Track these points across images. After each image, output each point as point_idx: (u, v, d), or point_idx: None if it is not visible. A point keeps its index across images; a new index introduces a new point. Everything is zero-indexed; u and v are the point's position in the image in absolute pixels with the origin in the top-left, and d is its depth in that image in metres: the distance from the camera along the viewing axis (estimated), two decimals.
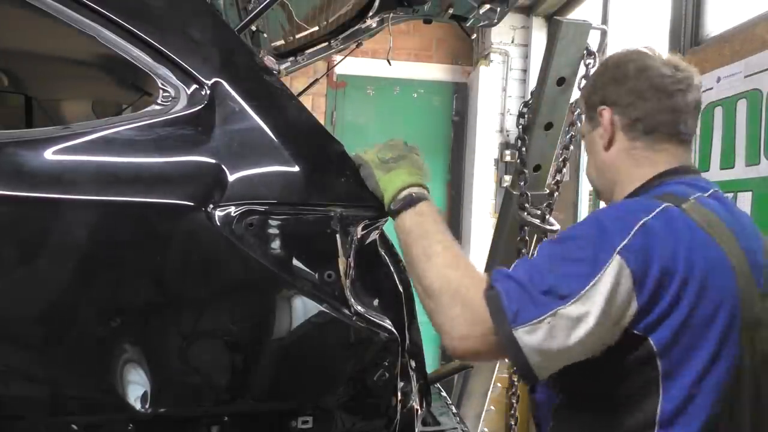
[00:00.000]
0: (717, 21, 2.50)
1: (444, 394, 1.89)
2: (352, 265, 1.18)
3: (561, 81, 1.98)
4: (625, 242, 1.06)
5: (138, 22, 1.18)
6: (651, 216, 1.09)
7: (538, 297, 1.05)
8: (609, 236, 1.07)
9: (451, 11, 2.31)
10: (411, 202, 1.18)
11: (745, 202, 2.05)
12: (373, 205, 1.21)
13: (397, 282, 1.26)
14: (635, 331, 1.07)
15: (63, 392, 1.09)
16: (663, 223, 1.09)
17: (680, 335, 1.07)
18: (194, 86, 1.17)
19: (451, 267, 1.13)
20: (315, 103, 4.80)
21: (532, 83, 4.40)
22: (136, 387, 1.07)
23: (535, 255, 1.14)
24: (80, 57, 1.97)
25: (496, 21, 2.37)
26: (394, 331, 1.20)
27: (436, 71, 4.92)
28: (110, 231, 1.10)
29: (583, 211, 3.74)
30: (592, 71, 1.93)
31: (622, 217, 1.10)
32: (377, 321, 1.18)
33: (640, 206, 1.13)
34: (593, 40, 2.00)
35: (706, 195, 1.19)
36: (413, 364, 1.29)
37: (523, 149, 2.02)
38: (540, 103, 2.00)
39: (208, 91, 1.17)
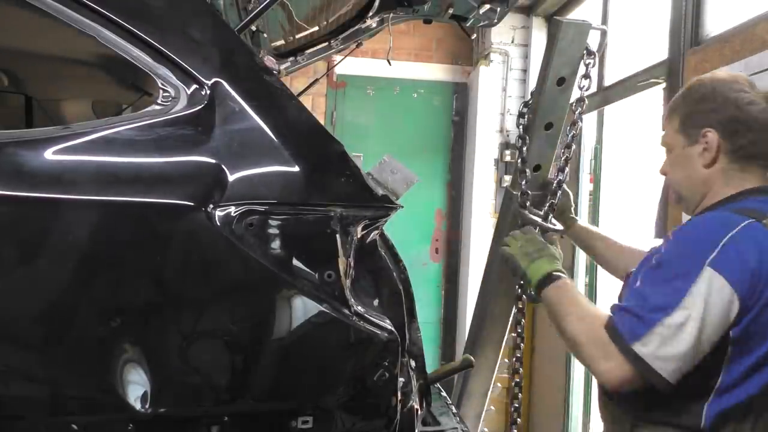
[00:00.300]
0: (717, 21, 2.50)
1: (444, 394, 1.89)
2: (352, 265, 1.18)
3: (561, 81, 1.99)
4: (713, 255, 1.27)
5: (138, 22, 1.18)
6: (737, 230, 1.30)
7: (645, 315, 1.30)
8: (697, 254, 1.29)
9: (451, 11, 2.31)
10: (552, 280, 1.55)
11: None
12: (373, 205, 1.21)
13: (397, 282, 1.26)
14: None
15: (63, 392, 1.09)
16: (749, 235, 1.30)
17: (752, 327, 1.29)
18: (194, 86, 1.18)
19: (583, 320, 1.43)
20: (315, 103, 4.80)
21: (532, 83, 4.40)
22: (136, 387, 1.07)
23: (639, 284, 1.39)
24: (80, 57, 1.97)
25: (496, 21, 2.38)
26: (394, 331, 1.20)
27: (436, 71, 4.92)
28: (110, 231, 1.10)
29: (584, 211, 3.74)
30: (592, 71, 2.02)
31: (705, 238, 1.32)
32: (377, 321, 1.18)
33: (721, 223, 1.34)
34: (593, 40, 1.99)
35: None
36: (413, 364, 1.29)
37: (524, 149, 2.06)
38: (540, 103, 2.02)
39: (208, 91, 1.17)
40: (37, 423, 1.08)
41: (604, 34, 2.07)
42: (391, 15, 2.34)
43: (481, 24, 2.43)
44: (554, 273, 1.56)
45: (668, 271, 1.32)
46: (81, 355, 1.09)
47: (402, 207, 1.24)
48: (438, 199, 4.95)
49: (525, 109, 2.07)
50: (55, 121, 2.39)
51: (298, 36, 2.39)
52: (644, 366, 1.28)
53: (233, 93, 1.18)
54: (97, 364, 1.08)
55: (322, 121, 4.64)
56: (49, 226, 1.07)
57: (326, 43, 2.44)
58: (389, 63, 2.84)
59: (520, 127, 2.08)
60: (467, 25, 2.42)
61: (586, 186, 3.75)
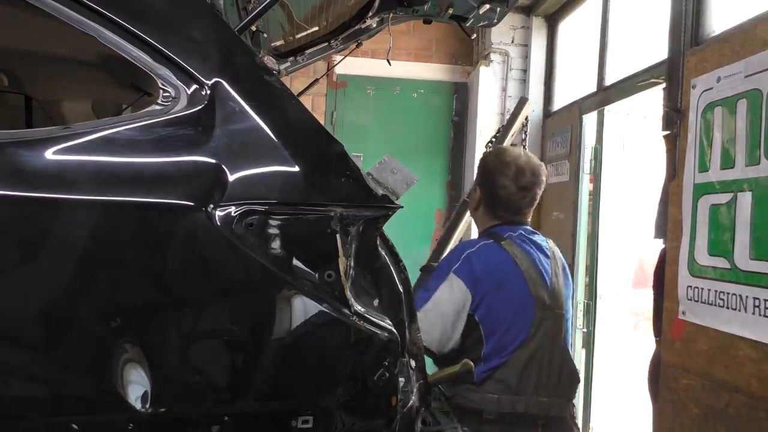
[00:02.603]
0: (717, 21, 2.50)
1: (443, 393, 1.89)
2: (352, 265, 1.18)
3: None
4: (456, 265, 2.08)
5: (138, 22, 1.18)
6: (473, 249, 2.12)
7: (418, 300, 2.01)
8: (448, 264, 2.11)
9: (450, 11, 2.32)
10: None
11: (745, 202, 2.05)
12: (373, 205, 1.21)
13: (397, 282, 1.26)
14: (471, 312, 2.08)
15: (63, 392, 1.09)
16: (480, 252, 2.12)
17: (484, 311, 2.06)
18: (194, 86, 1.17)
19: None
20: (315, 103, 4.80)
21: (532, 83, 4.41)
22: (136, 387, 1.07)
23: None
24: (80, 57, 1.97)
25: (495, 21, 2.40)
26: (394, 331, 1.20)
27: (436, 71, 4.92)
28: (110, 231, 1.10)
29: (584, 211, 3.74)
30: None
31: (455, 253, 2.15)
32: (377, 321, 1.18)
33: (468, 245, 2.17)
34: None
35: (516, 235, 2.18)
36: (413, 364, 1.29)
37: None
38: (498, 142, 2.97)
39: (208, 91, 1.17)
40: (37, 423, 1.08)
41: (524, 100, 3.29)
42: (391, 15, 2.35)
43: (481, 24, 2.45)
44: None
45: (435, 273, 2.12)
46: (81, 355, 1.08)
47: (402, 207, 1.24)
48: (438, 199, 4.95)
49: (490, 145, 3.41)
50: (55, 121, 2.39)
51: (297, 36, 2.39)
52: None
53: (233, 93, 1.18)
54: (97, 364, 1.08)
55: (322, 121, 4.64)
56: (49, 227, 1.07)
57: (326, 44, 2.45)
58: (389, 63, 2.87)
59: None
60: (467, 25, 2.43)
61: (586, 186, 3.75)
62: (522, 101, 3.17)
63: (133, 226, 1.11)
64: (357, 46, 2.55)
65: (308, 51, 2.45)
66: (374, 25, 2.41)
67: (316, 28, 2.37)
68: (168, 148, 1.14)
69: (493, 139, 3.14)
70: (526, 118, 3.36)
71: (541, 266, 2.14)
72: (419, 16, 2.43)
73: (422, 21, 2.51)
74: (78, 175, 1.10)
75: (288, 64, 2.48)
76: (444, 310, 2.02)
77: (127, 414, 1.07)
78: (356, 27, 2.37)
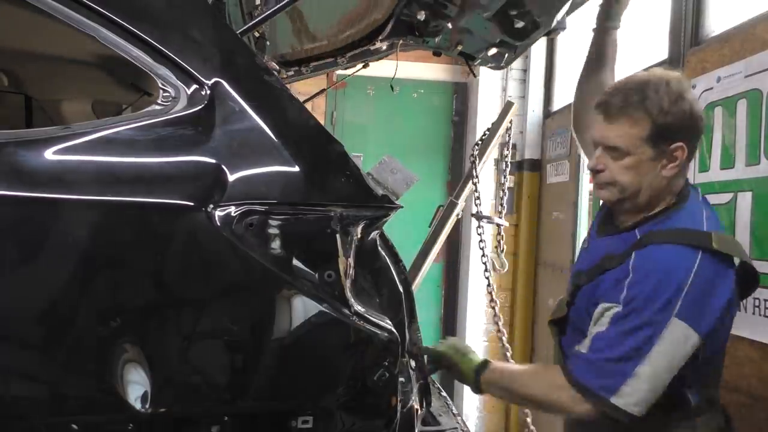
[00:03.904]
0: (717, 21, 2.50)
1: (444, 394, 1.89)
2: (352, 265, 1.18)
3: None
4: (679, 306, 1.36)
5: (138, 22, 1.18)
6: (694, 271, 1.38)
7: (614, 368, 1.38)
8: (664, 302, 1.37)
9: (460, 48, 2.33)
10: (485, 366, 1.58)
11: (745, 202, 2.05)
12: (373, 205, 1.21)
13: (397, 282, 1.26)
14: None
15: (63, 392, 1.09)
16: (704, 276, 1.39)
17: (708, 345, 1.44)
18: (194, 86, 1.17)
19: (535, 378, 1.57)
20: (315, 103, 4.79)
21: (532, 83, 4.40)
22: (136, 387, 1.07)
23: (604, 329, 1.43)
24: (80, 57, 1.97)
25: (503, 65, 2.42)
26: (394, 331, 1.20)
27: (436, 71, 4.92)
28: (110, 231, 1.10)
29: (583, 211, 3.74)
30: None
31: (669, 282, 1.38)
32: (377, 321, 1.18)
33: (681, 261, 1.39)
34: None
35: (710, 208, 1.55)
36: (413, 364, 1.29)
37: (474, 173, 2.97)
38: (485, 150, 3.02)
39: (208, 91, 1.17)
40: (37, 423, 1.08)
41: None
42: (401, 41, 2.35)
43: (488, 65, 2.46)
44: (484, 361, 1.61)
45: (635, 319, 1.37)
46: (81, 355, 1.08)
47: (402, 207, 1.24)
48: (438, 199, 4.94)
49: (476, 150, 3.05)
50: (55, 121, 2.39)
51: (305, 47, 2.38)
52: (618, 411, 1.36)
53: (233, 93, 1.18)
54: (97, 364, 1.08)
55: (322, 121, 4.63)
56: (49, 227, 1.07)
57: (332, 59, 2.44)
58: (392, 89, 2.78)
59: (472, 160, 3.04)
60: (474, 64, 2.45)
61: (586, 186, 3.75)
62: (508, 105, 3.21)
63: (133, 226, 1.11)
64: (363, 67, 2.54)
65: (313, 63, 2.44)
66: (383, 48, 2.41)
67: (325, 42, 2.36)
68: (168, 148, 1.14)
69: (480, 142, 3.15)
70: (511, 122, 3.39)
71: None
72: (429, 47, 2.44)
73: (432, 53, 2.52)
74: (78, 175, 1.10)
75: (291, 73, 2.47)
76: (670, 369, 1.40)
77: (127, 414, 1.07)
78: (365, 47, 2.37)
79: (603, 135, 1.49)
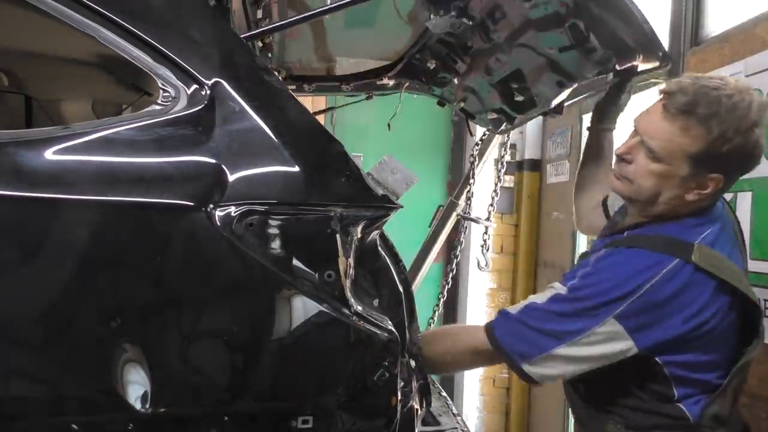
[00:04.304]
0: (717, 21, 2.50)
1: (444, 393, 1.89)
2: (352, 265, 1.18)
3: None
4: (621, 309, 1.31)
5: (138, 22, 1.18)
6: (653, 282, 1.31)
7: (539, 340, 1.36)
8: (610, 300, 1.32)
9: (462, 104, 2.33)
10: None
11: (745, 202, 2.05)
12: (373, 205, 1.21)
13: (397, 282, 1.26)
14: None
15: (63, 392, 1.09)
16: (660, 287, 1.31)
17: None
18: (194, 86, 1.17)
19: (449, 336, 1.55)
20: (315, 104, 4.79)
21: None
22: (136, 387, 1.07)
23: (545, 301, 1.39)
24: (80, 57, 1.97)
25: (498, 132, 2.43)
26: (394, 331, 1.19)
27: None
28: (110, 231, 1.10)
29: None
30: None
31: (620, 284, 1.32)
32: (377, 321, 1.18)
33: (643, 268, 1.32)
34: None
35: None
36: (413, 364, 1.29)
37: (471, 174, 3.16)
38: (484, 151, 3.26)
39: (208, 91, 1.17)
40: (37, 423, 1.08)
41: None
42: (408, 83, 2.35)
43: (485, 128, 2.47)
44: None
45: (577, 305, 1.33)
46: (81, 355, 1.09)
47: (402, 207, 1.24)
48: (437, 199, 4.94)
49: (475, 151, 3.22)
50: (55, 121, 2.39)
51: (314, 65, 2.38)
52: (528, 377, 1.37)
53: (233, 93, 1.18)
54: (97, 364, 1.08)
55: (322, 121, 4.63)
56: (49, 227, 1.07)
57: (337, 84, 2.44)
58: (389, 128, 2.68)
59: (471, 161, 3.24)
60: (473, 122, 2.45)
61: None
62: None
63: (133, 226, 1.11)
64: (367, 98, 2.53)
65: (317, 84, 2.44)
66: (389, 85, 2.41)
67: (335, 63, 2.36)
68: (168, 148, 1.14)
69: (480, 142, 3.17)
70: None
71: None
72: (434, 95, 2.44)
73: (437, 102, 2.51)
74: (78, 175, 1.10)
75: (294, 87, 2.46)
76: (589, 361, 1.39)
77: (127, 414, 1.07)
78: (372, 80, 2.36)
79: (648, 128, 1.33)
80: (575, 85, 1.84)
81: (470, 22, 1.85)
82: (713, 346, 1.35)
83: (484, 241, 3.05)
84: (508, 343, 1.38)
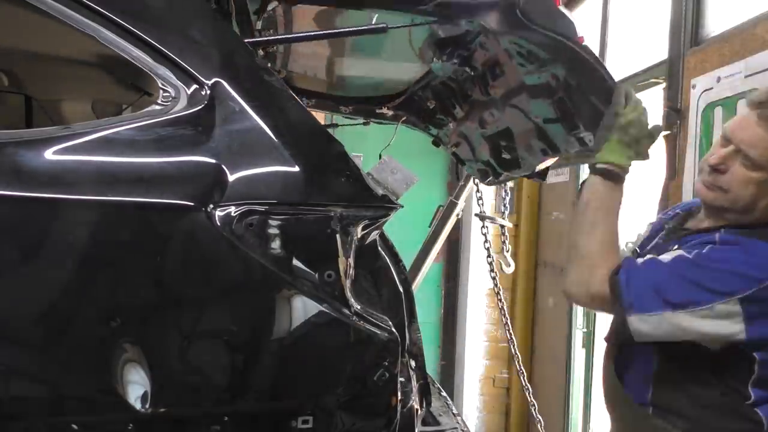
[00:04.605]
0: (717, 21, 2.50)
1: (444, 393, 1.89)
2: (352, 265, 1.18)
3: None
4: (748, 293, 1.25)
5: (138, 22, 1.18)
6: None
7: (656, 298, 1.28)
8: (735, 281, 1.26)
9: (455, 149, 2.34)
10: (613, 176, 1.43)
11: None
12: (373, 205, 1.21)
13: (397, 282, 1.26)
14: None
15: (63, 392, 1.09)
16: None
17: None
18: (194, 86, 1.17)
19: (604, 244, 1.40)
20: None
21: None
22: (136, 387, 1.07)
23: (669, 261, 1.32)
24: (80, 57, 1.97)
25: (484, 183, 2.42)
26: (394, 331, 1.19)
27: None
28: (110, 231, 1.10)
29: None
30: None
31: (748, 271, 1.27)
32: (377, 321, 1.18)
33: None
34: None
35: None
36: (413, 364, 1.29)
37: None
38: None
39: (208, 91, 1.17)
40: (37, 423, 1.08)
41: None
42: (406, 117, 2.35)
43: (473, 175, 2.46)
44: (623, 168, 1.44)
45: (704, 276, 1.27)
46: (81, 355, 1.09)
47: (402, 207, 1.24)
48: (437, 199, 4.94)
49: None
50: (55, 121, 2.39)
51: (319, 77, 2.37)
52: (625, 330, 1.30)
53: (233, 93, 1.18)
54: (97, 364, 1.08)
55: (322, 121, 4.63)
56: (49, 227, 1.07)
57: (336, 104, 2.43)
58: (380, 157, 2.65)
59: None
60: (462, 167, 2.48)
61: None
62: None
63: (133, 226, 1.11)
64: (364, 124, 2.52)
65: (316, 99, 2.42)
66: (387, 115, 2.40)
67: (336, 80, 2.36)
68: (168, 148, 1.14)
69: None
70: None
71: None
72: (429, 134, 2.43)
73: (431, 142, 2.52)
74: (78, 175, 1.10)
75: None
76: (701, 337, 1.32)
77: (127, 414, 1.07)
78: (371, 107, 2.36)
79: (744, 136, 1.32)
80: (558, 157, 1.83)
81: (472, 73, 1.86)
82: None
83: (503, 242, 3.02)
84: (626, 288, 1.30)
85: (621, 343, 1.40)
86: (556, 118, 1.63)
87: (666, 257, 1.33)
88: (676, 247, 1.39)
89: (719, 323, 1.26)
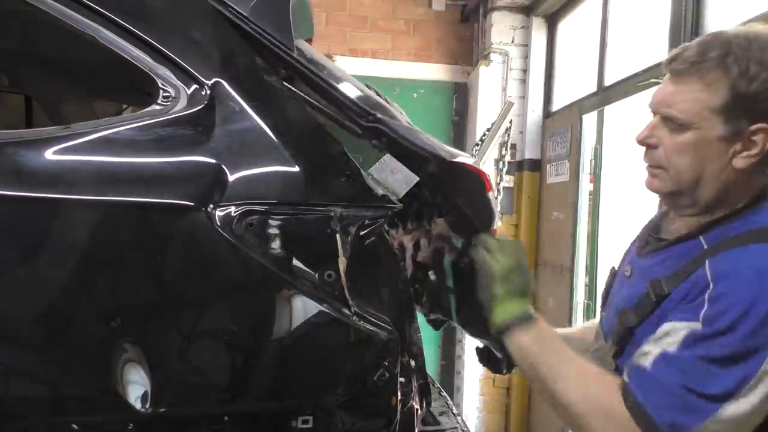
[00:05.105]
0: (717, 21, 2.50)
1: (444, 393, 1.89)
2: (352, 265, 1.18)
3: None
4: None
5: (138, 22, 1.18)
6: None
7: (694, 402, 0.99)
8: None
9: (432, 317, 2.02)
10: (527, 323, 1.22)
11: None
12: (373, 205, 1.21)
13: (397, 282, 1.26)
14: None
15: (63, 392, 1.09)
16: None
17: None
18: (194, 86, 1.17)
19: (583, 382, 1.13)
20: None
21: (532, 83, 4.41)
22: (137, 387, 1.07)
23: (678, 349, 1.04)
24: (80, 57, 1.97)
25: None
26: (394, 331, 1.19)
27: (436, 71, 4.92)
28: (110, 231, 1.10)
29: (583, 211, 3.74)
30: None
31: None
32: (377, 321, 1.18)
33: None
34: None
35: None
36: (413, 364, 1.29)
37: None
38: (484, 151, 3.21)
39: (208, 91, 1.17)
40: (37, 423, 1.08)
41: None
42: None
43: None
44: (529, 314, 1.24)
45: (724, 342, 0.99)
46: (81, 355, 1.08)
47: (402, 207, 1.24)
48: None
49: (476, 148, 3.15)
50: (55, 121, 2.39)
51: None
52: None
53: (233, 93, 1.18)
54: (97, 364, 1.08)
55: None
56: (49, 227, 1.07)
57: None
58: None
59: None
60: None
61: (586, 186, 3.75)
62: (508, 105, 3.24)
63: (132, 226, 1.11)
64: None
65: None
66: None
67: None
68: (168, 148, 1.14)
69: (480, 142, 3.16)
70: (510, 122, 3.46)
71: None
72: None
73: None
74: (78, 175, 1.10)
75: None
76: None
77: (127, 414, 1.07)
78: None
79: (661, 99, 1.14)
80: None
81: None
82: None
83: None
84: (655, 408, 1.02)
85: None
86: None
87: (668, 345, 1.04)
88: (653, 256, 1.20)
89: None
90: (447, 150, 1.30)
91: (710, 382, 0.99)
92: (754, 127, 1.07)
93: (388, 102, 1.42)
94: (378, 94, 1.42)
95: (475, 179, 1.28)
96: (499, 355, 1.47)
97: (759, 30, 1.10)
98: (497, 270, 1.27)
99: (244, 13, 1.24)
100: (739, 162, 1.09)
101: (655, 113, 1.16)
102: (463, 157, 1.31)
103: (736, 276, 1.03)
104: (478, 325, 1.39)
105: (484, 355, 1.55)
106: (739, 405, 0.98)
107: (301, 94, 1.27)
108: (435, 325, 1.57)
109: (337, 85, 1.27)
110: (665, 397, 1.01)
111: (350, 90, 1.28)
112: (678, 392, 1.01)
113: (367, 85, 1.41)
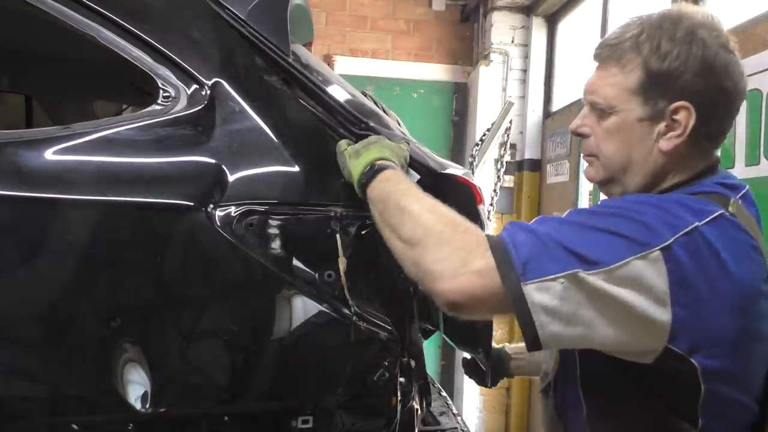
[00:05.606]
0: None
1: (444, 393, 1.89)
2: (352, 265, 1.18)
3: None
4: (670, 237, 0.93)
5: (138, 22, 1.18)
6: (706, 221, 0.96)
7: (560, 253, 0.93)
8: (653, 230, 0.94)
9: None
10: (376, 171, 1.10)
11: None
12: None
13: (397, 282, 1.26)
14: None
15: (63, 392, 1.09)
16: (719, 233, 0.96)
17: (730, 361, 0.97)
18: (194, 86, 1.18)
19: (433, 212, 1.02)
20: None
21: (532, 83, 4.40)
22: (137, 387, 1.08)
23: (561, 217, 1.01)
24: (80, 57, 1.97)
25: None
26: (394, 331, 1.19)
27: (436, 71, 4.92)
28: (110, 231, 1.10)
29: None
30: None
31: (665, 218, 0.96)
32: (377, 321, 1.18)
33: (691, 206, 0.98)
34: None
35: (740, 193, 1.06)
36: (413, 364, 1.29)
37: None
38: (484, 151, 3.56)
39: (208, 91, 1.17)
40: (37, 423, 1.08)
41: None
42: None
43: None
44: (379, 162, 1.12)
45: (612, 222, 0.96)
46: (81, 355, 1.09)
47: None
48: None
49: (475, 151, 3.48)
50: (55, 121, 2.39)
51: None
52: (523, 310, 0.92)
53: (233, 93, 1.18)
54: (97, 364, 1.08)
55: None
56: (49, 227, 1.07)
57: None
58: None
59: (471, 160, 3.51)
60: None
61: (585, 186, 3.75)
62: (508, 105, 3.23)
63: (132, 226, 1.11)
64: None
65: None
66: None
67: None
68: (168, 148, 1.14)
69: (480, 142, 3.16)
70: (510, 122, 3.45)
71: None
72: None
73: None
74: (78, 175, 1.10)
75: None
76: (630, 310, 0.93)
77: (127, 414, 1.07)
78: None
79: (587, 86, 1.12)
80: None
81: None
82: (760, 347, 1.00)
83: None
84: (517, 245, 0.95)
85: (531, 350, 0.97)
86: None
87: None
88: None
89: (638, 294, 0.93)
90: (438, 161, 1.30)
91: (585, 244, 0.94)
92: (673, 105, 1.03)
93: (385, 111, 1.41)
94: (375, 103, 1.41)
95: (465, 191, 1.27)
96: (484, 367, 1.45)
97: (685, 8, 1.07)
98: (349, 151, 1.17)
99: (242, 16, 1.24)
100: (664, 144, 1.05)
101: (586, 102, 1.13)
102: (454, 169, 1.31)
103: (631, 197, 1.06)
104: (464, 337, 1.35)
105: (470, 367, 1.55)
106: (597, 278, 0.91)
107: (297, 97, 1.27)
108: (424, 334, 1.52)
109: (331, 92, 1.27)
110: (532, 240, 0.95)
111: (344, 97, 1.28)
112: (548, 241, 0.95)
113: (363, 93, 1.41)
